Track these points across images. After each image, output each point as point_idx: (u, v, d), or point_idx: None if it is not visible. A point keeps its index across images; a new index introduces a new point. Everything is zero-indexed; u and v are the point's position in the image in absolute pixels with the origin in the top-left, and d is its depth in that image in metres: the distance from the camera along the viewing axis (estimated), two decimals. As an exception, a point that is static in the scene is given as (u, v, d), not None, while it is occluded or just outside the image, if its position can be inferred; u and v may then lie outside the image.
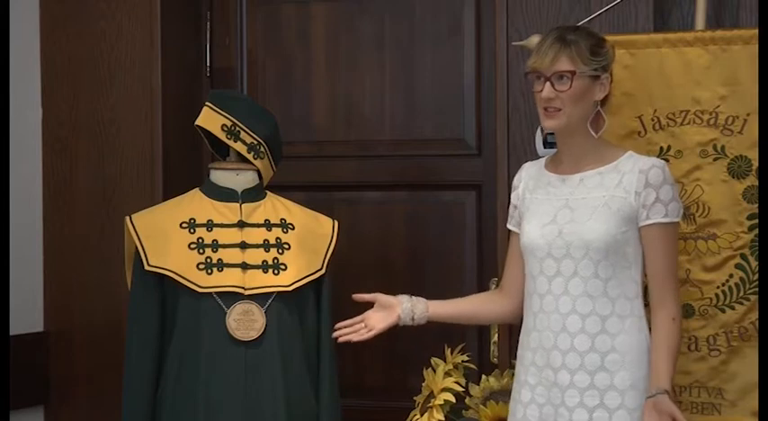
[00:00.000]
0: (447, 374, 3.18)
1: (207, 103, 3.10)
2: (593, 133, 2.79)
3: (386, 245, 3.73)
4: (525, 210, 2.87)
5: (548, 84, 2.74)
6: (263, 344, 2.98)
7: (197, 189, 3.15)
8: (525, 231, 2.83)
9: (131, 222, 3.07)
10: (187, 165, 3.79)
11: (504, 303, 2.96)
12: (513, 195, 2.95)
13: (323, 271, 3.09)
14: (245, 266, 3.00)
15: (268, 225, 3.08)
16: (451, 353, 3.23)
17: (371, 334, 2.93)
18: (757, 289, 2.95)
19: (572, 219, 2.77)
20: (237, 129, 3.06)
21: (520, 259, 2.89)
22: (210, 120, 3.07)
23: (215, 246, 3.01)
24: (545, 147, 3.27)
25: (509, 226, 2.97)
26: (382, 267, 3.72)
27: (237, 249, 3.02)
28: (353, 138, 3.77)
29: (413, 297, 2.98)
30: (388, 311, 2.96)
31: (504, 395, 3.14)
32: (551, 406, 2.76)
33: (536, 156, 3.27)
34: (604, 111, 2.83)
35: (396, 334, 3.62)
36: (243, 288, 2.98)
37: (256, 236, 3.05)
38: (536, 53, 2.77)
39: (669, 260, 2.76)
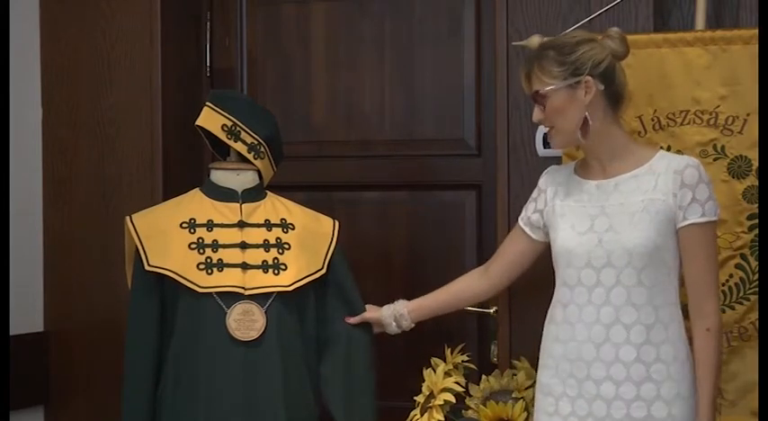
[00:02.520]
0: (447, 374, 3.18)
1: (207, 103, 3.10)
2: (616, 132, 2.80)
3: (386, 245, 3.73)
4: (558, 218, 2.84)
5: (536, 106, 2.78)
6: (264, 345, 2.97)
7: (197, 189, 3.15)
8: (560, 239, 2.80)
9: (131, 222, 3.06)
10: (187, 165, 3.79)
11: (482, 287, 3.05)
12: (539, 197, 2.93)
13: (323, 270, 3.08)
14: (245, 266, 3.00)
15: (268, 225, 3.08)
16: (451, 353, 3.23)
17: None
18: (757, 289, 2.95)
19: (610, 226, 2.74)
20: (238, 129, 3.06)
21: (514, 253, 2.97)
22: (210, 120, 3.07)
23: (215, 246, 3.01)
24: (545, 148, 3.26)
25: (521, 222, 2.96)
26: (382, 267, 3.72)
27: (237, 249, 3.02)
28: (353, 138, 3.77)
29: (396, 311, 3.09)
30: (376, 327, 3.13)
31: (504, 395, 3.14)
32: (594, 419, 2.74)
33: (536, 157, 3.27)
34: (623, 106, 2.83)
35: (396, 333, 3.63)
36: (243, 288, 2.98)
37: (256, 236, 3.05)
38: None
39: (708, 262, 2.73)
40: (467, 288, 3.08)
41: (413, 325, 3.10)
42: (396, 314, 3.09)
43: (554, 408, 2.80)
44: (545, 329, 2.85)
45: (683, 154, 3.00)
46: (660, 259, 2.71)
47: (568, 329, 2.77)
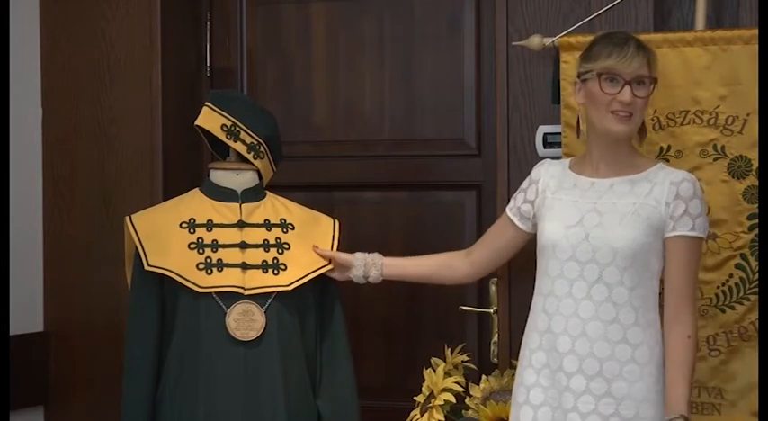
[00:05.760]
0: (447, 374, 3.18)
1: (207, 103, 3.10)
2: (634, 141, 2.84)
3: (386, 245, 3.70)
4: (547, 210, 2.86)
5: (627, 87, 2.74)
6: (263, 345, 2.98)
7: (197, 189, 3.15)
8: (547, 231, 2.82)
9: (131, 222, 3.07)
10: (187, 165, 3.79)
11: (464, 269, 3.08)
12: (529, 188, 2.95)
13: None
14: (244, 266, 3.00)
15: (268, 225, 3.08)
16: (451, 353, 3.23)
17: (331, 275, 3.12)
18: (757, 289, 2.95)
19: (600, 223, 2.76)
20: (237, 129, 3.06)
21: (500, 241, 3.00)
22: (210, 120, 3.08)
23: (215, 246, 3.01)
24: (545, 148, 3.27)
25: (509, 212, 2.98)
26: (382, 267, 3.71)
27: (237, 249, 3.02)
28: (353, 138, 3.77)
29: (368, 259, 3.12)
30: (343, 270, 3.11)
31: (504, 395, 3.14)
32: (561, 410, 2.75)
33: (536, 157, 3.27)
34: None
35: (396, 334, 3.63)
36: (243, 288, 2.98)
37: (256, 236, 3.05)
38: (615, 56, 2.75)
39: (689, 274, 2.75)
40: (448, 267, 3.11)
41: (380, 279, 3.12)
42: (368, 261, 3.11)
43: (524, 398, 2.81)
44: (528, 319, 2.87)
45: (682, 154, 3.02)
46: (644, 262, 2.73)
47: (545, 319, 2.79)
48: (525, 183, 2.97)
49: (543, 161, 2.99)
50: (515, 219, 2.97)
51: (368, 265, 3.11)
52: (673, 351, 2.72)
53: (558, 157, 3.12)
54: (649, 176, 2.79)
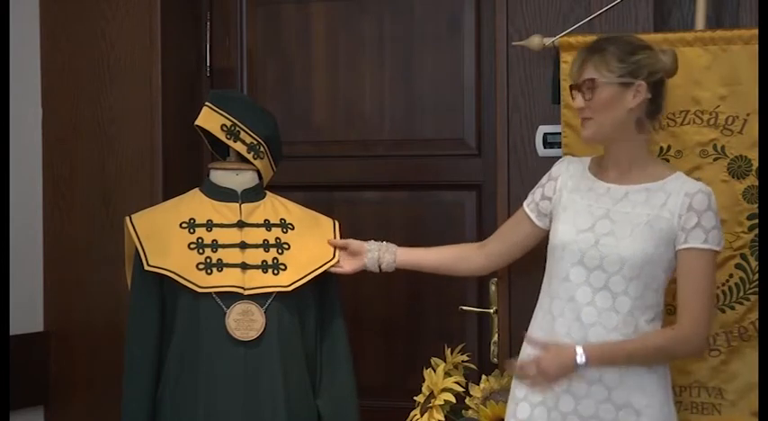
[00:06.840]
0: (447, 374, 3.18)
1: (207, 103, 3.10)
2: (641, 143, 2.81)
3: (386, 245, 3.73)
4: (561, 210, 2.85)
5: (579, 93, 2.76)
6: (263, 345, 2.98)
7: (197, 189, 3.15)
8: (559, 232, 2.81)
9: (131, 222, 3.07)
10: (187, 165, 3.79)
11: (479, 262, 3.06)
12: (548, 184, 2.94)
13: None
14: (244, 266, 3.00)
15: (268, 225, 3.08)
16: (451, 353, 3.23)
17: (339, 271, 3.09)
18: (757, 289, 2.95)
19: (611, 231, 2.75)
20: (237, 129, 3.06)
21: (516, 236, 2.98)
22: (210, 120, 3.08)
23: (214, 246, 3.01)
24: (545, 148, 3.26)
25: (527, 208, 2.97)
26: (382, 267, 3.71)
27: (237, 249, 3.02)
28: (353, 138, 3.77)
29: (383, 245, 3.09)
30: (357, 258, 3.09)
31: (504, 395, 3.14)
32: (559, 412, 2.75)
33: (536, 157, 3.27)
34: (657, 121, 2.86)
35: (396, 333, 3.63)
36: (242, 288, 2.98)
37: (256, 236, 3.05)
38: (574, 67, 2.80)
39: (700, 286, 2.72)
40: (462, 258, 3.10)
41: (393, 266, 3.10)
42: (382, 246, 3.09)
43: (523, 394, 2.81)
44: (532, 317, 2.87)
45: (682, 154, 3.02)
46: (651, 274, 2.73)
47: (549, 320, 2.79)
48: (544, 179, 2.97)
49: (564, 158, 2.98)
50: (533, 216, 2.96)
51: (382, 250, 3.09)
52: (652, 332, 2.73)
53: (558, 158, 3.12)
54: (666, 186, 2.77)
